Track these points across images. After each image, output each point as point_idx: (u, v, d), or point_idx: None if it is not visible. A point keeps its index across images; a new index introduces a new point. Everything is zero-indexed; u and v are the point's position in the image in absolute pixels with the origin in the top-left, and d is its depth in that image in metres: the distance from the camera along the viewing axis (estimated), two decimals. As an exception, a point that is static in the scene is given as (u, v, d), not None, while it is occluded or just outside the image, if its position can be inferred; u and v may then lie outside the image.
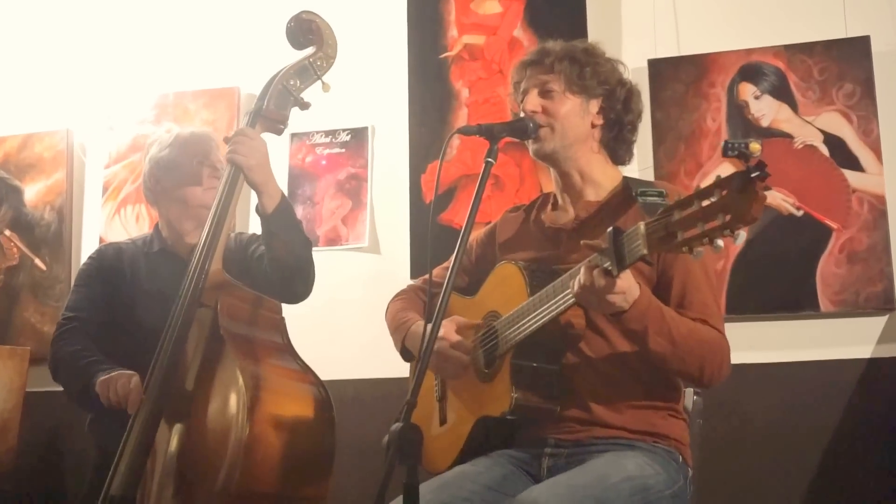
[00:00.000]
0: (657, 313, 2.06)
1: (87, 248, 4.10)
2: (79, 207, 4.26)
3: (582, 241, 1.98)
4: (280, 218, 2.57)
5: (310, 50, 2.66)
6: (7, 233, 4.29)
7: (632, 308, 2.00)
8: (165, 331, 2.48)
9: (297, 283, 2.69)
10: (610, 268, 1.89)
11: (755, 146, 1.63)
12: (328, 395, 2.49)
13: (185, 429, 2.42)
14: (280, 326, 2.58)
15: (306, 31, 2.66)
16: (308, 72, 2.63)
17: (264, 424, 2.31)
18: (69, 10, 4.45)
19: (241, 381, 2.29)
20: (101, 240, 3.99)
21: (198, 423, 2.39)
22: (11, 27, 4.54)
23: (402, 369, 2.60)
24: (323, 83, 2.66)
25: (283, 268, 2.62)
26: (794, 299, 3.37)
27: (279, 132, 2.65)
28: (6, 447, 3.88)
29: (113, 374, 2.58)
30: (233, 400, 2.31)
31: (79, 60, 4.40)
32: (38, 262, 4.18)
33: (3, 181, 4.20)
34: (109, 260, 2.96)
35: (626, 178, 2.32)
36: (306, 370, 2.52)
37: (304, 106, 2.65)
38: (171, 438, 2.43)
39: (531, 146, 2.35)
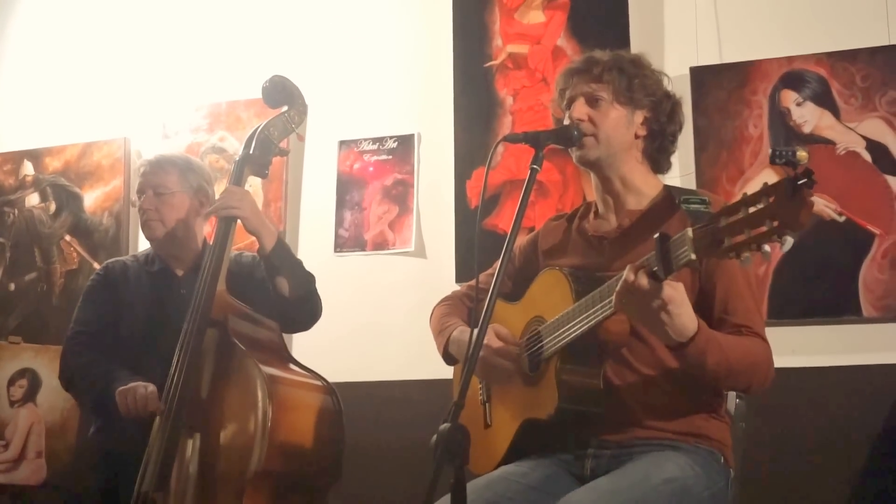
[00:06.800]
0: (715, 346, 2.05)
1: (142, 252, 4.13)
2: (135, 213, 4.06)
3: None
4: (280, 254, 2.83)
5: (284, 107, 2.97)
6: (67, 237, 4.39)
7: (691, 345, 2.00)
8: (179, 345, 2.69)
9: (303, 314, 2.94)
10: (657, 271, 1.89)
11: (802, 154, 1.64)
12: (337, 397, 2.77)
13: (203, 431, 2.65)
14: (281, 340, 2.85)
15: (280, 90, 2.97)
16: (284, 125, 2.95)
17: (284, 413, 2.57)
18: (126, 24, 4.52)
19: (259, 375, 2.56)
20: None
21: (217, 422, 2.64)
22: (71, 40, 4.61)
23: (447, 371, 2.62)
24: (297, 135, 3.10)
25: (288, 301, 2.85)
26: (837, 304, 3.33)
27: (264, 175, 2.98)
28: (65, 445, 4.01)
29: (131, 384, 2.75)
30: (254, 393, 2.55)
31: (135, 71, 4.47)
32: (96, 265, 4.21)
33: (63, 188, 4.35)
34: (115, 276, 3.09)
35: (667, 187, 2.34)
36: (313, 373, 2.79)
37: (284, 153, 3.01)
38: (191, 442, 2.65)
39: (575, 153, 2.34)
